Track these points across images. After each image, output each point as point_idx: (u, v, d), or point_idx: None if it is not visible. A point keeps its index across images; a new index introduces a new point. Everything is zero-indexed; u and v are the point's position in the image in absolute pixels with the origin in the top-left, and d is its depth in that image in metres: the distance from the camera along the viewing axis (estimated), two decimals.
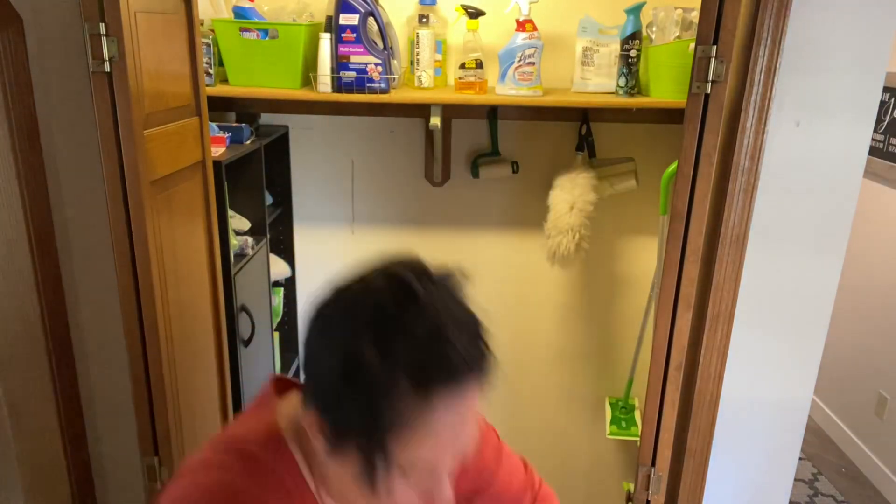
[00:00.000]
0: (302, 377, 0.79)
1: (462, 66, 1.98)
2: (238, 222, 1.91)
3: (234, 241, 1.81)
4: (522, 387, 2.52)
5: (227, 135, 1.81)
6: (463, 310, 0.78)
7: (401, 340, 0.69)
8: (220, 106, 2.07)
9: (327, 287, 0.76)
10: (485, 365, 0.75)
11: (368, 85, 1.91)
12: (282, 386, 0.88)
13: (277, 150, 2.22)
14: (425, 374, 0.69)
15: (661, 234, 2.10)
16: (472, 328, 0.76)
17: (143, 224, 1.28)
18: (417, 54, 2.00)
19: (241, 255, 1.84)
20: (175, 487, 0.79)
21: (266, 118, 2.22)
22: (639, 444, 1.51)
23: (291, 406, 0.84)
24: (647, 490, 1.49)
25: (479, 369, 0.74)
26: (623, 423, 2.32)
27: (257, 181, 1.96)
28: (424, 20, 2.00)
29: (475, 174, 2.24)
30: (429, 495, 0.75)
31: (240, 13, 1.92)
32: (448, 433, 0.73)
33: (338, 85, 1.92)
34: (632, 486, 1.54)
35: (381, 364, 0.67)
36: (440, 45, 2.04)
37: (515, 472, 1.05)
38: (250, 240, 1.90)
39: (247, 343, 1.86)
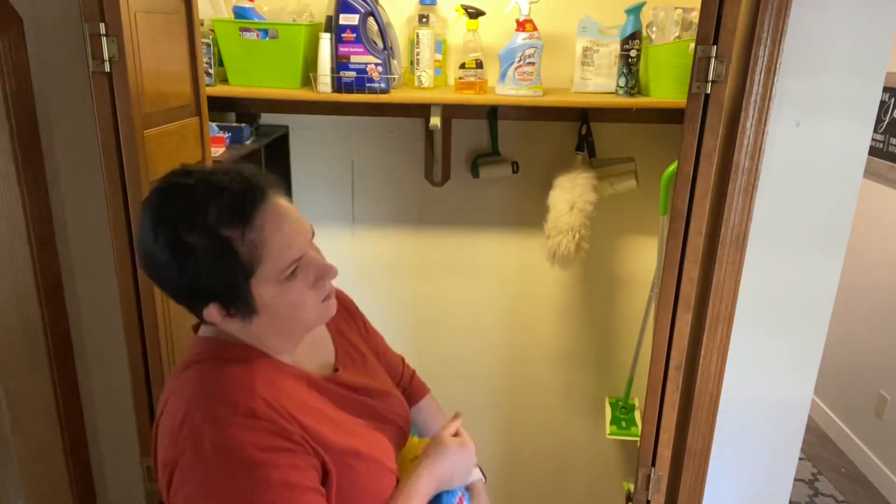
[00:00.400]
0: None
1: (462, 66, 1.98)
2: None
3: None
4: (522, 387, 2.52)
5: (227, 135, 1.81)
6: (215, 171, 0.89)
7: (197, 214, 0.84)
8: (220, 106, 2.07)
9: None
10: (257, 183, 0.89)
11: (368, 85, 1.91)
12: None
13: (277, 150, 2.22)
14: (230, 217, 0.84)
15: (661, 234, 2.10)
16: (228, 173, 0.89)
17: None
18: (417, 54, 2.00)
19: None
20: (169, 411, 0.89)
21: (266, 118, 2.22)
22: (639, 444, 1.51)
23: (201, 336, 0.97)
24: (647, 490, 1.49)
25: (256, 186, 0.88)
26: (623, 423, 2.32)
27: None
28: (424, 20, 2.00)
29: (475, 174, 2.24)
30: (320, 276, 0.94)
31: (240, 13, 1.92)
32: (283, 231, 0.89)
33: (338, 85, 1.92)
34: (632, 486, 1.54)
35: (199, 239, 0.84)
36: (440, 45, 2.04)
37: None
38: None
39: None
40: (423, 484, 1.01)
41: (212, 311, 0.90)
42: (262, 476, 0.83)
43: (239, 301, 0.89)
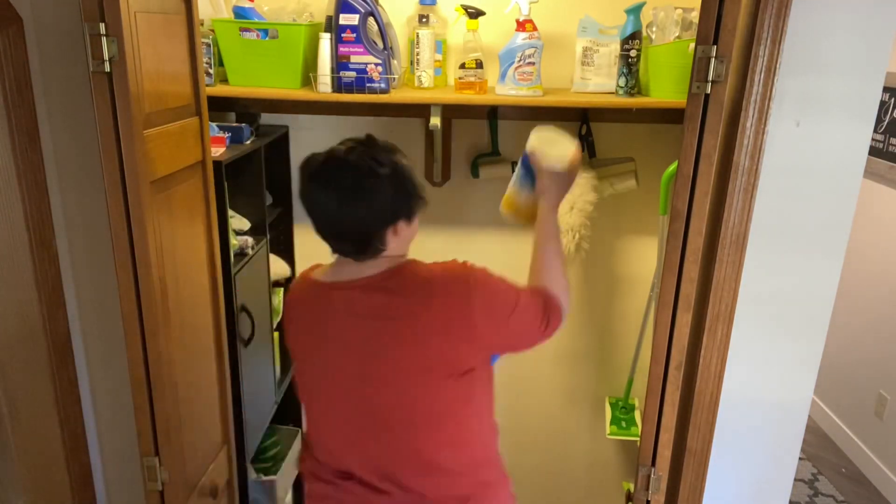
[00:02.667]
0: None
1: (462, 66, 1.98)
2: (238, 222, 1.91)
3: (234, 241, 1.81)
4: (522, 387, 2.52)
5: (227, 135, 1.81)
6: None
7: (395, 158, 1.29)
8: (220, 106, 2.07)
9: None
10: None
11: (368, 85, 1.91)
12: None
13: (277, 150, 2.22)
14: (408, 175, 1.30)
15: (661, 234, 2.10)
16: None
17: (143, 224, 1.28)
18: (417, 54, 2.00)
19: (241, 255, 1.84)
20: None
21: (266, 118, 2.22)
22: (639, 444, 1.51)
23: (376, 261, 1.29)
24: (647, 490, 1.49)
25: None
26: (623, 423, 2.32)
27: (257, 181, 1.96)
28: (424, 20, 2.00)
29: (475, 174, 2.24)
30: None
31: (240, 13, 1.92)
32: None
33: (338, 85, 1.92)
34: (632, 486, 1.54)
35: (405, 171, 1.29)
36: (440, 45, 2.04)
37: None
38: (250, 240, 1.90)
39: (247, 343, 1.86)
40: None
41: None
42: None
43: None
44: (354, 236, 1.25)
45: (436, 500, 1.31)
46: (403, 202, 1.26)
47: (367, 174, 1.21)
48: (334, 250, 1.30)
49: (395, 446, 1.29)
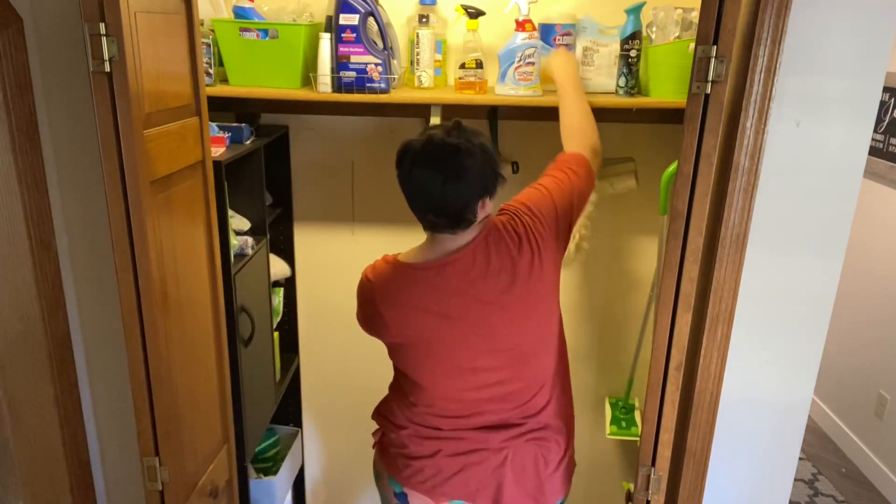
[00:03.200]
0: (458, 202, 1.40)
1: (462, 66, 1.98)
2: (238, 222, 1.91)
3: (234, 241, 1.81)
4: None
5: (227, 135, 1.81)
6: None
7: (482, 139, 1.45)
8: (220, 106, 2.07)
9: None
10: None
11: (368, 85, 1.91)
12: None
13: (277, 150, 2.22)
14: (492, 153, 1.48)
15: (661, 234, 2.10)
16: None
17: (143, 224, 1.28)
18: (417, 54, 2.00)
19: (241, 255, 1.84)
20: None
21: (266, 118, 2.22)
22: (639, 444, 1.51)
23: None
24: (647, 490, 1.49)
25: None
26: (623, 423, 2.32)
27: (257, 181, 1.96)
28: (424, 20, 2.00)
29: None
30: None
31: (240, 13, 1.92)
32: None
33: (338, 85, 1.92)
34: (632, 486, 1.54)
35: (490, 152, 1.45)
36: (440, 45, 2.04)
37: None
38: (250, 240, 1.90)
39: (247, 343, 1.86)
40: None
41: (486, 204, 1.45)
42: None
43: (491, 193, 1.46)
44: (454, 210, 1.40)
45: (556, 419, 1.66)
46: (491, 177, 1.43)
47: (465, 154, 1.37)
48: (429, 227, 1.46)
49: (526, 379, 1.54)
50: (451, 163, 1.37)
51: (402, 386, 1.60)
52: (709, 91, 1.25)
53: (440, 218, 1.41)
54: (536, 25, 1.95)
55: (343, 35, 1.87)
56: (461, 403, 1.53)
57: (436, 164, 1.37)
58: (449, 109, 2.14)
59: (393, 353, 1.58)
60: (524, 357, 1.52)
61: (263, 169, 1.97)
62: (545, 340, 1.55)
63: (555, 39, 1.98)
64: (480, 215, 1.44)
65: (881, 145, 3.14)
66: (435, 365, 1.51)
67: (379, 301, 1.48)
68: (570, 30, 1.99)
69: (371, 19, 1.88)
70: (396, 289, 1.48)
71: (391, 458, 1.60)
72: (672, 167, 1.95)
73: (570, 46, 2.00)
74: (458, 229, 1.43)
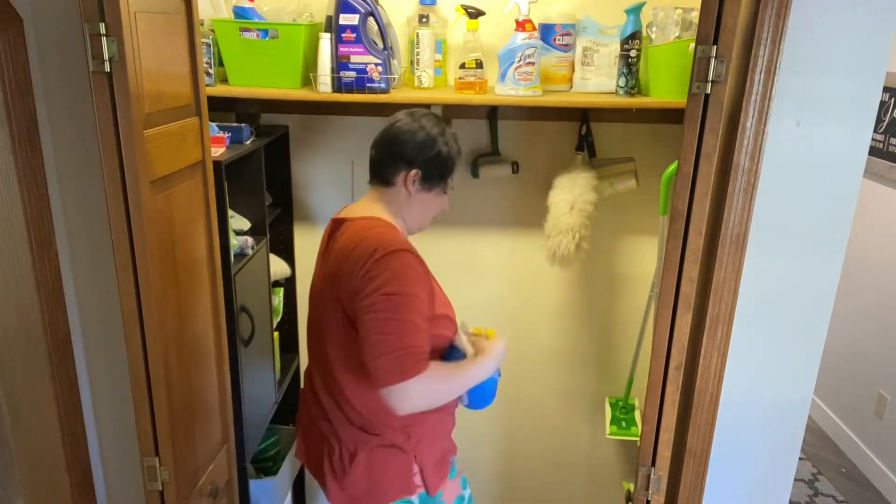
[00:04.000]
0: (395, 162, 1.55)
1: (462, 66, 1.98)
2: (238, 222, 1.91)
3: (234, 241, 1.81)
4: (522, 387, 2.52)
5: (227, 135, 1.81)
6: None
7: (451, 140, 1.57)
8: (220, 106, 2.07)
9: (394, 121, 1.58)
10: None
11: (368, 85, 1.91)
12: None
13: (277, 150, 2.22)
14: (451, 154, 1.57)
15: (661, 234, 2.10)
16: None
17: (143, 224, 1.28)
18: (417, 54, 2.00)
19: (241, 255, 1.84)
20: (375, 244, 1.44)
21: (266, 118, 2.22)
22: (639, 444, 1.51)
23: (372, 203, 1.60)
24: (647, 490, 1.49)
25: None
26: (623, 423, 2.32)
27: (257, 181, 1.96)
28: (424, 20, 2.00)
29: (475, 174, 2.24)
30: (444, 203, 1.64)
31: (240, 13, 1.92)
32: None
33: (338, 85, 1.92)
34: (632, 486, 1.54)
35: (449, 150, 1.56)
36: (440, 45, 2.04)
37: None
38: (250, 240, 1.90)
39: (247, 343, 1.85)
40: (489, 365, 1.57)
41: (412, 176, 1.55)
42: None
43: (432, 177, 1.57)
44: (379, 161, 1.58)
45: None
46: (424, 155, 1.54)
47: (406, 130, 1.55)
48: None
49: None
50: (404, 129, 1.56)
51: None
52: (709, 91, 1.25)
53: (372, 162, 1.61)
54: (536, 25, 1.95)
55: (343, 35, 1.87)
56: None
57: (398, 123, 1.57)
58: (449, 109, 2.15)
59: None
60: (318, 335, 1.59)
61: (263, 169, 1.97)
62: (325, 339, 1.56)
63: (555, 39, 1.98)
64: (398, 184, 1.56)
65: (881, 145, 3.14)
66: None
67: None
68: (570, 30, 1.99)
69: (371, 19, 1.88)
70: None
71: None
72: (672, 167, 1.95)
73: (569, 46, 2.00)
74: (377, 181, 1.60)
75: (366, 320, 1.40)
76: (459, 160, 1.62)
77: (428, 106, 2.06)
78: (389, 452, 1.55)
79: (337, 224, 1.59)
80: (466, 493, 1.73)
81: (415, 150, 1.53)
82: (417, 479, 1.57)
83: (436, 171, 1.56)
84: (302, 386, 1.76)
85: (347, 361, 1.52)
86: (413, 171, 1.54)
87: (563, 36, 1.98)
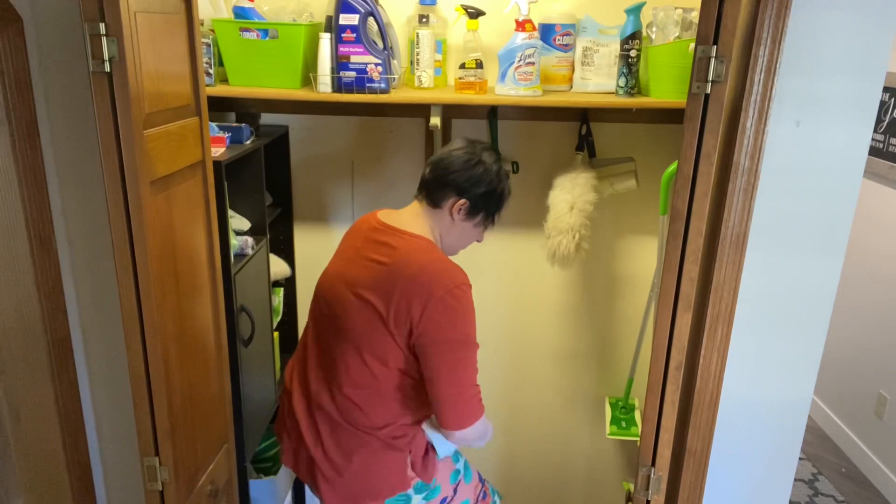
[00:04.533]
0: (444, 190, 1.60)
1: (462, 66, 1.98)
2: (238, 222, 1.91)
3: (234, 241, 1.81)
4: (522, 387, 2.52)
5: (227, 135, 1.81)
6: None
7: (505, 179, 1.63)
8: (220, 106, 2.07)
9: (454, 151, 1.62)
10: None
11: (368, 85, 1.91)
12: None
13: (277, 150, 2.22)
14: (504, 191, 1.64)
15: (661, 234, 2.10)
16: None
17: (143, 224, 1.28)
18: (417, 54, 2.00)
19: (241, 255, 1.84)
20: (433, 269, 1.51)
21: (266, 118, 2.22)
22: (639, 444, 1.51)
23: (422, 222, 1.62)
24: (647, 490, 1.49)
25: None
26: (623, 423, 2.32)
27: (257, 181, 1.96)
28: (424, 20, 2.00)
29: None
30: (480, 235, 1.70)
31: (240, 13, 1.92)
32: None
33: (338, 85, 1.92)
34: (632, 486, 1.54)
35: (502, 189, 1.63)
36: (440, 45, 2.04)
37: None
38: (250, 240, 1.90)
39: (247, 343, 1.86)
40: None
41: (458, 204, 1.60)
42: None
43: (477, 208, 1.62)
44: (434, 182, 1.60)
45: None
46: (475, 189, 1.59)
47: (476, 161, 1.59)
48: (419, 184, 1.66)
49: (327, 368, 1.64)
50: (463, 158, 1.59)
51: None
52: (709, 91, 1.25)
53: (424, 180, 1.63)
54: (536, 25, 1.95)
55: (343, 35, 1.87)
56: None
57: (457, 151, 1.61)
58: (449, 109, 2.15)
59: None
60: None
61: (263, 169, 1.97)
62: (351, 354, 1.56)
63: (554, 39, 1.98)
64: (445, 208, 1.60)
65: (881, 145, 3.14)
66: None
67: None
68: (571, 30, 1.99)
69: (371, 19, 1.88)
70: None
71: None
72: (672, 167, 1.95)
73: (569, 46, 2.00)
74: (425, 200, 1.62)
75: (437, 362, 1.49)
76: (509, 200, 1.68)
77: (428, 107, 2.06)
78: (386, 452, 1.57)
79: (380, 228, 1.61)
80: (460, 464, 1.77)
81: (469, 182, 1.58)
82: (410, 473, 1.60)
83: (483, 205, 1.61)
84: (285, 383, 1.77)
85: (367, 367, 1.54)
86: (462, 201, 1.58)
87: (563, 36, 1.98)
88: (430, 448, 1.65)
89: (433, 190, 1.60)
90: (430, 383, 1.51)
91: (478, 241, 1.71)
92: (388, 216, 1.64)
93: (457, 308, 1.49)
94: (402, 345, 1.51)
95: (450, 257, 1.61)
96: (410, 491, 1.61)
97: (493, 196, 1.61)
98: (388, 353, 1.52)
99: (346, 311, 1.55)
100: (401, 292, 1.47)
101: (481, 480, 1.86)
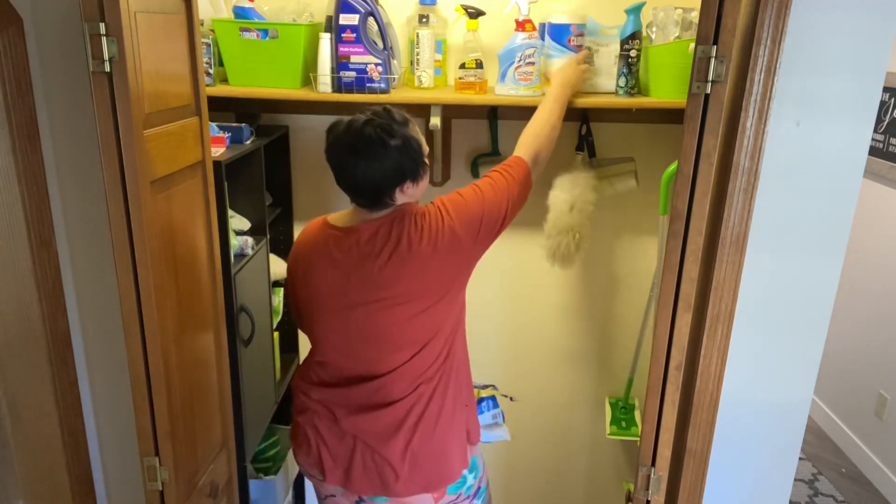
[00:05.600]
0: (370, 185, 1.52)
1: (462, 66, 1.98)
2: (238, 222, 1.91)
3: (234, 241, 1.81)
4: (522, 387, 2.52)
5: (227, 135, 1.81)
6: None
7: (400, 131, 1.52)
8: (220, 106, 2.07)
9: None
10: None
11: (368, 85, 1.91)
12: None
13: (277, 150, 2.22)
14: (415, 144, 1.55)
15: (661, 234, 2.10)
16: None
17: (142, 224, 1.28)
18: (417, 54, 2.00)
19: (241, 255, 1.84)
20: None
21: (266, 118, 2.22)
22: (639, 444, 1.51)
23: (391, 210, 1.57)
24: (647, 490, 1.49)
25: None
26: (623, 423, 2.32)
27: (257, 181, 1.96)
28: (424, 20, 2.00)
29: (475, 174, 2.24)
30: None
31: (240, 13, 1.92)
32: None
33: (338, 85, 1.92)
34: (632, 486, 1.54)
35: (410, 144, 1.51)
36: (440, 45, 2.04)
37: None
38: (250, 240, 1.90)
39: (247, 343, 1.86)
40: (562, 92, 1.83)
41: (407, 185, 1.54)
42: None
43: (417, 173, 1.56)
44: (370, 192, 1.52)
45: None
46: (410, 166, 1.51)
47: (380, 143, 1.47)
48: (353, 201, 1.58)
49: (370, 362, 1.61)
50: (366, 150, 1.47)
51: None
52: (709, 91, 1.25)
53: (359, 198, 1.56)
54: (545, 27, 1.95)
55: (343, 35, 1.87)
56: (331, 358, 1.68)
57: (353, 149, 1.49)
58: (449, 109, 2.15)
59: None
60: (374, 342, 1.59)
61: (263, 169, 1.97)
62: (408, 335, 1.57)
63: (569, 41, 1.95)
64: (399, 199, 1.55)
65: (881, 145, 3.14)
66: (311, 315, 1.66)
67: (295, 252, 1.68)
68: (584, 30, 1.97)
69: (371, 19, 1.88)
70: (304, 236, 1.68)
71: None
72: (672, 167, 1.95)
73: (581, 47, 1.98)
74: (375, 208, 1.56)
75: (492, 185, 1.63)
76: (421, 139, 1.58)
77: (428, 107, 2.06)
78: (460, 411, 1.67)
79: (348, 229, 1.58)
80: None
81: (397, 175, 1.51)
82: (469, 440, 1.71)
83: (421, 165, 1.56)
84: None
85: (423, 324, 1.57)
86: (409, 183, 1.54)
87: (577, 37, 1.96)
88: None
89: (376, 203, 1.55)
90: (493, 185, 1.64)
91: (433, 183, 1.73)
92: (340, 219, 1.62)
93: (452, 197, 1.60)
94: (468, 264, 1.59)
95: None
96: (465, 471, 1.67)
97: (414, 156, 1.53)
98: (458, 300, 1.61)
99: (404, 328, 1.57)
100: (427, 240, 1.52)
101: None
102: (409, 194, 1.56)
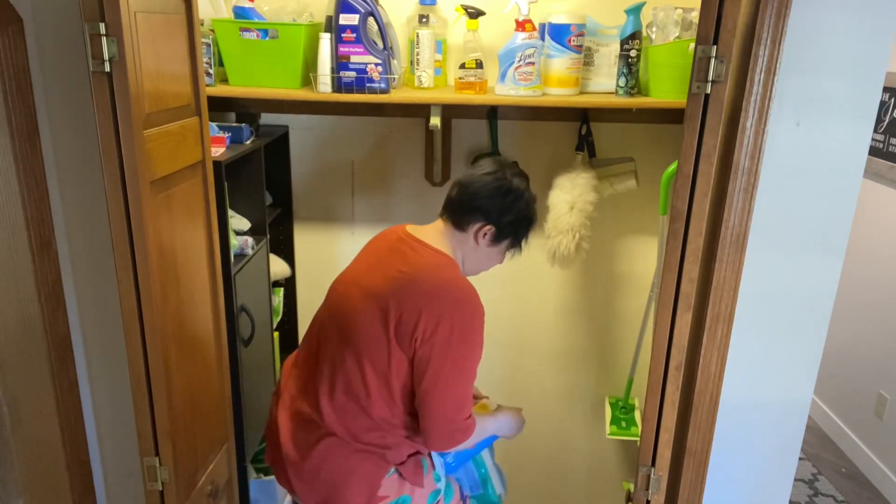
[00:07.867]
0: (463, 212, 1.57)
1: (462, 66, 1.98)
2: (238, 222, 1.91)
3: (234, 241, 1.81)
4: (522, 387, 2.52)
5: (227, 135, 1.81)
6: None
7: (532, 204, 1.62)
8: (220, 106, 2.07)
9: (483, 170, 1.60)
10: None
11: (368, 85, 1.91)
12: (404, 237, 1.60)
13: (277, 150, 2.22)
14: (532, 219, 1.63)
15: (661, 234, 2.10)
16: None
17: (143, 224, 1.28)
18: (417, 54, 2.00)
19: (241, 255, 1.84)
20: (448, 284, 1.52)
21: (266, 118, 2.22)
22: (639, 444, 1.51)
23: (441, 239, 1.58)
24: (647, 490, 1.49)
25: None
26: (623, 423, 2.32)
27: (257, 181, 1.96)
28: (424, 20, 2.00)
29: None
30: (502, 259, 1.68)
31: (240, 13, 1.92)
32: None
33: (338, 85, 1.92)
34: (632, 486, 1.54)
35: (530, 215, 1.61)
36: (440, 45, 2.04)
37: None
38: (250, 240, 1.90)
39: (247, 343, 1.86)
40: (492, 423, 1.73)
41: (480, 228, 1.57)
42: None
43: (502, 233, 1.59)
44: (462, 205, 1.57)
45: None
46: (504, 215, 1.57)
47: (506, 189, 1.57)
48: (444, 204, 1.62)
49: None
50: (493, 185, 1.56)
51: None
52: (709, 91, 1.25)
53: (451, 201, 1.60)
54: (545, 26, 1.95)
55: (343, 35, 1.87)
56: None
57: (487, 176, 1.57)
58: (449, 109, 2.15)
59: None
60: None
61: (263, 169, 1.97)
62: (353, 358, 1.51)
63: (570, 41, 1.95)
64: (469, 231, 1.57)
65: (881, 145, 3.14)
66: None
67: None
68: (584, 30, 1.97)
69: (371, 19, 1.88)
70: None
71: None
72: (672, 167, 1.95)
73: (582, 47, 1.97)
74: (450, 222, 1.59)
75: (433, 382, 1.45)
76: (536, 226, 1.65)
77: (428, 107, 2.06)
78: (363, 462, 1.52)
79: (406, 240, 1.57)
80: (441, 484, 1.67)
81: (497, 211, 1.55)
82: (383, 491, 1.55)
83: (511, 233, 1.59)
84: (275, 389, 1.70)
85: (363, 375, 1.49)
86: (488, 227, 1.56)
87: (577, 37, 1.95)
88: (417, 459, 1.60)
89: (459, 213, 1.57)
90: (421, 402, 1.47)
91: (499, 263, 1.68)
92: (414, 230, 1.61)
93: (465, 336, 1.48)
94: (404, 355, 1.47)
95: (468, 277, 1.58)
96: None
97: (521, 224, 1.59)
98: (388, 364, 1.47)
99: (355, 316, 1.50)
100: (414, 304, 1.44)
101: (462, 498, 1.78)
102: (480, 240, 1.57)
